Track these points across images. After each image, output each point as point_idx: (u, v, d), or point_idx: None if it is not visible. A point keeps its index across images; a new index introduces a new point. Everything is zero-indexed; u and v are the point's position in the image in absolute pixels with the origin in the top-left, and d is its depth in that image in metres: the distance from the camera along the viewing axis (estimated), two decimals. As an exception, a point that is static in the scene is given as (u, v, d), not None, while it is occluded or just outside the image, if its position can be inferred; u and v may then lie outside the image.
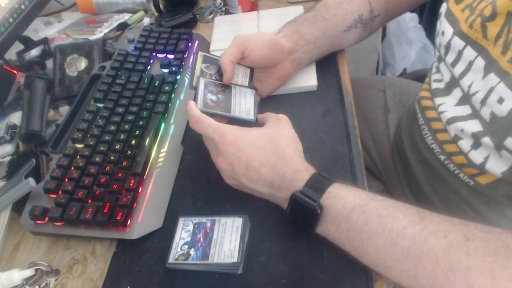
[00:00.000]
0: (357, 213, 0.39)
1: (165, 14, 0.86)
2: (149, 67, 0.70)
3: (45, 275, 0.48)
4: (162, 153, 0.56)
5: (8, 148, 0.65)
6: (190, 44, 0.73)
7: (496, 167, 0.49)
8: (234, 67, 0.55)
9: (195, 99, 0.52)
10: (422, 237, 0.35)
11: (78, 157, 0.55)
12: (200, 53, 0.58)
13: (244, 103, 0.55)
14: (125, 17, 0.91)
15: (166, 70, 0.68)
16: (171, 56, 0.71)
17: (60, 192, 0.51)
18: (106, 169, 0.53)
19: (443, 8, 0.54)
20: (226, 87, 0.56)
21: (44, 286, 0.48)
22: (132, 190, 0.50)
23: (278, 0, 0.87)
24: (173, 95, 0.64)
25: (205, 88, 0.54)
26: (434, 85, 0.58)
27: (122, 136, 0.56)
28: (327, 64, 0.66)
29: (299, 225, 0.45)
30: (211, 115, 0.50)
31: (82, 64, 0.74)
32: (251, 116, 0.54)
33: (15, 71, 0.76)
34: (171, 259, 0.45)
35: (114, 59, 0.70)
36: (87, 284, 0.47)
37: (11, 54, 0.81)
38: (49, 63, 0.77)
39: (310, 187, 0.42)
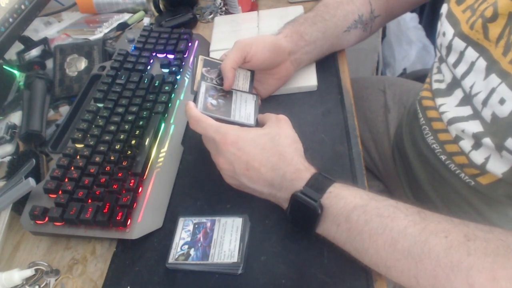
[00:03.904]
0: (357, 213, 0.39)
1: (165, 14, 0.86)
2: (149, 67, 0.70)
3: (45, 275, 0.48)
4: (162, 153, 0.56)
5: (8, 148, 0.65)
6: (190, 44, 0.73)
7: (497, 167, 0.48)
8: (235, 73, 0.55)
9: (195, 102, 0.52)
10: (422, 237, 0.35)
11: (78, 157, 0.55)
12: (200, 56, 0.58)
13: (244, 109, 0.55)
14: (125, 17, 0.91)
15: (166, 70, 0.68)
16: (171, 56, 0.71)
17: (60, 192, 0.51)
18: (106, 169, 0.53)
19: (444, 9, 0.54)
20: (227, 92, 0.56)
21: (44, 286, 0.48)
22: (132, 190, 0.50)
23: (278, 0, 0.87)
24: (173, 95, 0.64)
25: (206, 92, 0.54)
26: (435, 86, 0.58)
27: (122, 136, 0.56)
28: (327, 64, 0.66)
29: (300, 225, 0.45)
30: (211, 117, 0.50)
31: (82, 64, 0.74)
32: (251, 121, 0.54)
33: (15, 71, 0.77)
34: (171, 259, 0.45)
35: (114, 59, 0.70)
36: (87, 284, 0.47)
37: (11, 54, 0.81)
38: (49, 63, 0.77)
39: (310, 187, 0.42)
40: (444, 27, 0.53)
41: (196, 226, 0.48)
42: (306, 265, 0.43)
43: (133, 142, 0.55)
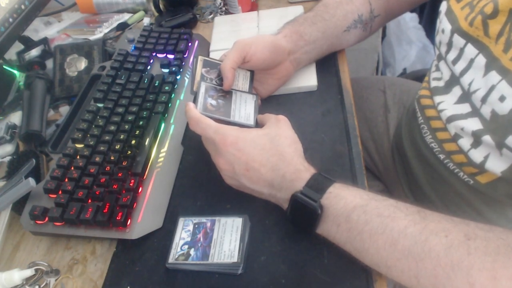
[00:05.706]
0: (358, 213, 0.39)
1: (165, 14, 0.86)
2: (149, 67, 0.70)
3: (45, 275, 0.48)
4: (162, 153, 0.56)
5: (8, 148, 0.65)
6: (190, 44, 0.73)
7: (496, 166, 0.48)
8: (235, 73, 0.55)
9: (195, 102, 0.52)
10: (423, 236, 0.35)
11: (78, 157, 0.55)
12: (200, 57, 0.58)
13: (244, 109, 0.55)
14: (125, 17, 0.91)
15: (166, 70, 0.68)
16: (171, 56, 0.71)
17: (60, 192, 0.51)
18: (106, 169, 0.53)
19: (443, 6, 0.54)
20: (226, 93, 0.56)
21: (44, 286, 0.48)
22: (132, 190, 0.50)
23: (278, 0, 0.87)
24: (173, 95, 0.64)
25: (205, 93, 0.54)
26: (434, 84, 0.58)
27: (122, 136, 0.56)
28: (327, 64, 0.66)
29: (300, 226, 0.45)
30: (210, 118, 0.50)
31: (82, 64, 0.74)
32: (250, 121, 0.54)
33: (15, 71, 0.77)
34: (171, 259, 0.45)
35: (114, 59, 0.70)
36: (87, 284, 0.47)
37: (11, 54, 0.81)
38: (49, 63, 0.77)
39: (310, 187, 0.42)
40: (443, 24, 0.53)
41: (196, 226, 0.48)
42: (306, 265, 0.43)
43: (133, 142, 0.55)
